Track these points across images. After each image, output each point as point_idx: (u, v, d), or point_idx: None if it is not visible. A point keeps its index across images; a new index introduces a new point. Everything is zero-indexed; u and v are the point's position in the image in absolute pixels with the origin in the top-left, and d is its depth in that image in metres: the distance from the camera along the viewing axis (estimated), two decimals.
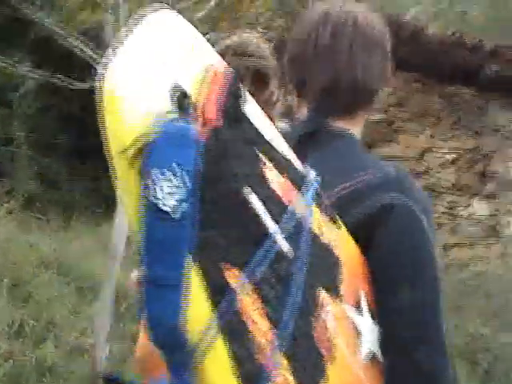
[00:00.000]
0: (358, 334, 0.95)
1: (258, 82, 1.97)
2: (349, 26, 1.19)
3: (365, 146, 1.24)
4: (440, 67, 6.67)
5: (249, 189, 0.83)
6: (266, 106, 1.93)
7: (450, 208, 6.75)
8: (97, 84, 0.80)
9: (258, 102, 1.88)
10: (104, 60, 0.82)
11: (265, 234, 0.83)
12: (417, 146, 6.76)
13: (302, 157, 1.02)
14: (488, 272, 6.37)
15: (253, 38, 2.01)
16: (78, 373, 3.53)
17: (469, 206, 6.88)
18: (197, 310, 0.78)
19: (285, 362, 0.82)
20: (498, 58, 6.80)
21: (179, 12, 0.91)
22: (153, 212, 0.77)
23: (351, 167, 1.10)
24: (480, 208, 6.89)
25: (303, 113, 1.22)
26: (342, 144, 1.16)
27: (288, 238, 0.85)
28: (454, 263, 6.33)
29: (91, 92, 0.89)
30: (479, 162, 7.03)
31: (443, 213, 6.68)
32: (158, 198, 0.76)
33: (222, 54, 1.85)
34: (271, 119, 1.81)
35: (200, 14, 4.15)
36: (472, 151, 7.03)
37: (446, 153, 6.91)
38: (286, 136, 1.04)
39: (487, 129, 7.15)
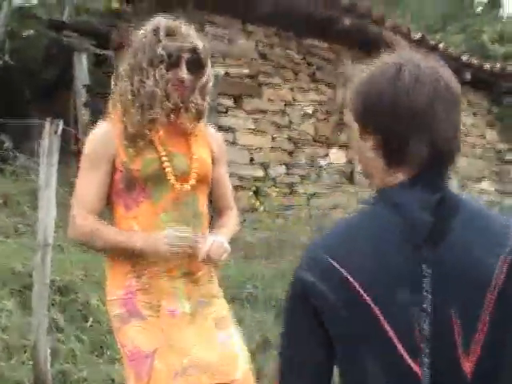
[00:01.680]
0: None
1: (194, 67, 2.17)
2: (442, 88, 1.23)
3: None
4: (297, 20, 7.34)
5: None
6: (202, 92, 2.22)
7: (311, 160, 7.59)
8: None
9: (195, 88, 2.24)
10: None
11: None
12: (279, 98, 7.41)
13: (443, 222, 1.18)
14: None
15: (178, 22, 2.21)
16: (20, 373, 3.69)
17: (327, 155, 7.78)
18: None
19: None
20: (354, 12, 7.65)
21: None
22: None
23: (495, 226, 1.22)
24: (337, 157, 7.86)
25: (398, 177, 1.24)
26: (466, 204, 1.25)
27: None
28: (316, 212, 7.26)
29: None
30: (334, 114, 7.96)
31: (306, 163, 7.49)
32: None
33: (148, 36, 2.11)
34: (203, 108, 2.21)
35: None
36: (327, 103, 7.91)
37: (304, 105, 7.67)
38: (409, 205, 1.19)
39: (340, 81, 8.07)
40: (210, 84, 2.25)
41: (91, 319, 4.18)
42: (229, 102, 6.92)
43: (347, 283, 1.20)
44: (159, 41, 2.10)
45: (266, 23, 7.27)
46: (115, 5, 6.30)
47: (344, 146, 7.95)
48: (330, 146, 7.82)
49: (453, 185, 5.45)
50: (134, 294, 2.13)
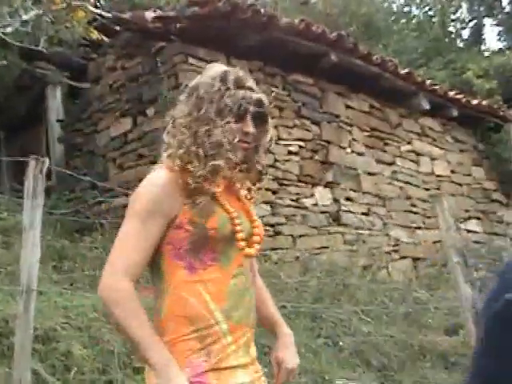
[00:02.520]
0: None
1: (259, 121, 2.09)
2: None
3: None
4: (282, 55, 7.46)
5: None
6: (265, 151, 2.16)
7: (297, 199, 7.61)
8: None
9: (259, 145, 2.21)
10: None
11: None
12: None
13: None
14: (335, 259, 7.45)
15: (243, 72, 2.15)
16: None
17: (312, 195, 7.83)
18: None
19: None
20: (340, 48, 7.79)
21: None
22: None
23: None
24: (322, 197, 7.90)
25: None
26: None
27: None
28: (303, 254, 7.28)
29: None
30: (319, 151, 8.03)
31: (290, 205, 7.52)
32: None
33: (217, 85, 2.04)
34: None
35: None
36: (312, 141, 7.99)
37: (289, 144, 7.72)
38: None
39: (325, 117, 8.18)
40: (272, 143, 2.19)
41: (75, 369, 4.12)
42: None
43: None
44: (228, 89, 2.03)
45: (250, 58, 7.36)
46: (94, 36, 6.31)
47: (329, 185, 8.01)
48: (314, 185, 7.86)
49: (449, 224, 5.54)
50: (205, 377, 1.95)
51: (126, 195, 6.95)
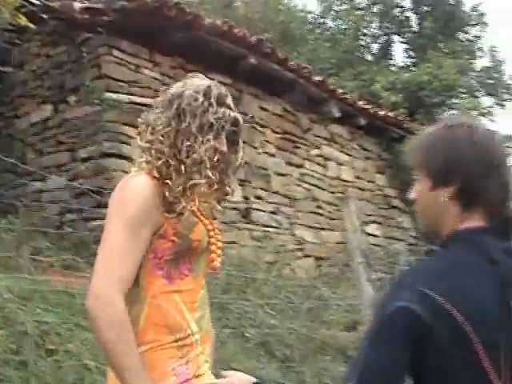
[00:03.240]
0: None
1: (232, 141, 2.08)
2: (503, 148, 1.58)
3: None
4: (206, 55, 7.59)
5: None
6: (235, 173, 2.17)
7: None
8: None
9: (229, 165, 2.16)
10: None
11: None
12: None
13: None
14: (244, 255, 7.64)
15: (225, 89, 2.12)
16: None
17: None
18: None
19: None
20: (259, 52, 7.99)
21: None
22: None
23: None
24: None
25: (472, 222, 1.52)
26: None
27: None
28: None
29: None
30: None
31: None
32: None
33: (200, 100, 1.95)
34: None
35: None
36: None
37: None
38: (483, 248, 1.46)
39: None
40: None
41: None
42: (131, 131, 6.97)
43: (453, 319, 1.40)
44: (211, 105, 2.00)
45: (173, 55, 7.46)
46: (22, 22, 6.26)
47: (241, 183, 8.18)
48: None
49: (356, 226, 5.81)
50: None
51: (44, 180, 6.94)
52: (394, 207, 11.45)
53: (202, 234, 2.00)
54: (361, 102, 10.44)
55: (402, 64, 17.53)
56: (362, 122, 10.46)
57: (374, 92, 13.24)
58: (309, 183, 9.40)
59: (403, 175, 11.30)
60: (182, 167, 1.94)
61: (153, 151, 1.98)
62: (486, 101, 16.99)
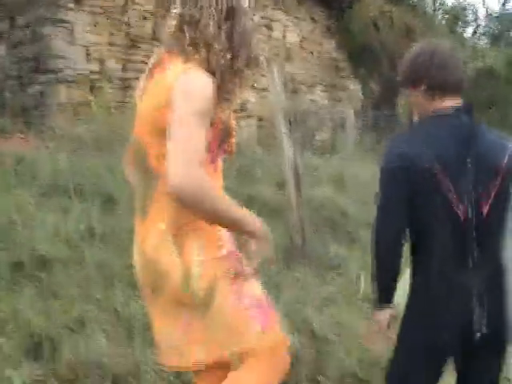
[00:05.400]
0: None
1: None
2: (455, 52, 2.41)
3: None
4: None
5: None
6: None
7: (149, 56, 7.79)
8: None
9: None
10: None
11: None
12: None
13: (474, 131, 2.26)
14: None
15: None
16: None
17: None
18: None
19: None
20: None
21: None
22: None
23: (498, 139, 2.32)
24: None
25: (442, 104, 2.29)
26: (481, 125, 2.33)
27: None
28: None
29: None
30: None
31: (142, 61, 7.72)
32: None
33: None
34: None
35: None
36: (169, 2, 8.07)
37: (145, 4, 7.87)
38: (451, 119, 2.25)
39: None
40: None
41: None
42: None
43: (422, 163, 2.17)
44: None
45: None
46: None
47: None
48: None
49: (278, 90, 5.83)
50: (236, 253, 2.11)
51: None
52: (341, 71, 11.57)
53: (233, 121, 2.09)
54: None
55: None
56: None
57: None
58: None
59: (352, 40, 11.38)
60: (234, 61, 2.01)
61: (201, 44, 1.98)
62: None
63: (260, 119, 9.47)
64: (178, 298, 2.02)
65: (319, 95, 10.93)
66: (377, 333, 2.38)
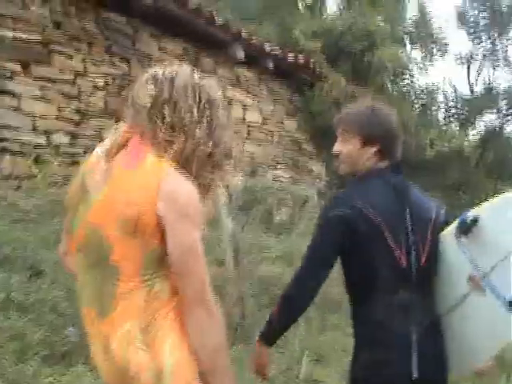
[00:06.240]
0: None
1: None
2: (396, 121, 2.66)
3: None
4: None
5: None
6: None
7: (99, 131, 7.69)
8: None
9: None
10: None
11: None
12: (70, 68, 7.47)
13: (407, 189, 2.52)
14: None
15: None
16: None
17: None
18: None
19: None
20: None
21: None
22: None
23: (424, 197, 2.63)
24: None
25: (382, 165, 2.54)
26: (409, 184, 2.58)
27: None
28: None
29: None
30: (126, 89, 8.10)
31: (91, 136, 7.60)
32: None
33: None
34: None
35: None
36: (121, 77, 8.07)
37: (96, 78, 7.78)
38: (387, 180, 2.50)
39: (136, 56, 8.28)
40: None
41: None
42: (16, 67, 6.88)
43: (366, 214, 2.37)
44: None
45: None
46: None
47: None
48: (118, 119, 7.92)
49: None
50: None
51: None
52: (304, 152, 11.51)
53: None
54: (268, 44, 10.33)
55: (333, 12, 17.29)
56: (270, 64, 10.42)
57: (294, 39, 13.13)
58: None
59: (315, 120, 11.37)
60: (215, 152, 1.97)
61: (179, 129, 1.93)
62: (417, 54, 16.93)
63: None
64: None
65: (281, 175, 10.80)
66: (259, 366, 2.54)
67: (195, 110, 1.92)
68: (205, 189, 1.96)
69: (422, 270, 2.43)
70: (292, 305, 2.43)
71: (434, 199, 2.66)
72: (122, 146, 1.94)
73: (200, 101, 1.94)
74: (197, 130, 1.91)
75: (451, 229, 2.50)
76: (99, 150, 2.01)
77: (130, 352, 1.84)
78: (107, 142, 1.99)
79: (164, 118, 1.90)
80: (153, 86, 1.94)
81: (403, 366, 2.35)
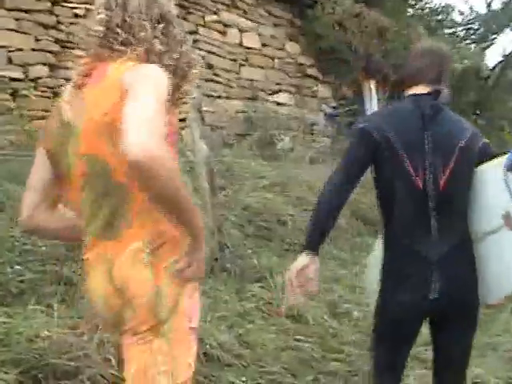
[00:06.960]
0: None
1: None
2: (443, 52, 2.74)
3: None
4: None
5: None
6: None
7: None
8: None
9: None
10: None
11: None
12: None
13: (436, 111, 2.54)
14: None
15: None
16: None
17: None
18: None
19: None
20: None
21: None
22: None
23: (460, 121, 2.64)
24: None
25: (416, 90, 2.59)
26: (447, 110, 2.60)
27: None
28: None
29: None
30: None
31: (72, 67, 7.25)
32: None
33: None
34: None
35: None
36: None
37: (75, 7, 7.37)
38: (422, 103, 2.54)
39: None
40: None
41: None
42: None
43: (388, 136, 2.46)
44: None
45: None
46: None
47: None
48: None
49: None
50: None
51: None
52: (309, 76, 11.05)
53: None
54: None
55: None
56: None
57: None
58: (203, 50, 8.87)
59: (319, 43, 10.85)
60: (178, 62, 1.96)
61: (137, 44, 1.92)
62: None
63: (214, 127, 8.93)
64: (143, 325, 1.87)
65: (285, 102, 10.41)
66: (294, 283, 2.48)
67: (149, 26, 1.92)
68: (181, 95, 1.99)
69: (440, 194, 2.46)
70: (320, 207, 2.49)
71: (473, 126, 2.66)
72: (88, 75, 1.92)
73: (152, 16, 1.94)
74: (155, 44, 1.91)
75: (497, 162, 2.50)
76: (69, 86, 2.00)
77: (134, 269, 1.84)
78: (74, 77, 1.97)
79: (118, 38, 1.90)
80: (103, 12, 1.93)
81: (421, 288, 2.43)
